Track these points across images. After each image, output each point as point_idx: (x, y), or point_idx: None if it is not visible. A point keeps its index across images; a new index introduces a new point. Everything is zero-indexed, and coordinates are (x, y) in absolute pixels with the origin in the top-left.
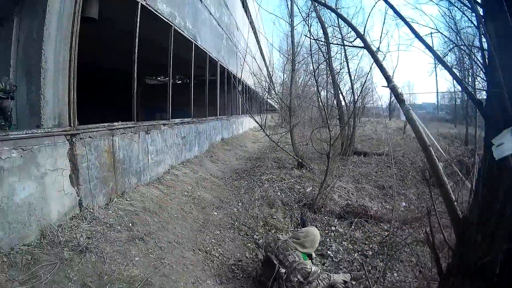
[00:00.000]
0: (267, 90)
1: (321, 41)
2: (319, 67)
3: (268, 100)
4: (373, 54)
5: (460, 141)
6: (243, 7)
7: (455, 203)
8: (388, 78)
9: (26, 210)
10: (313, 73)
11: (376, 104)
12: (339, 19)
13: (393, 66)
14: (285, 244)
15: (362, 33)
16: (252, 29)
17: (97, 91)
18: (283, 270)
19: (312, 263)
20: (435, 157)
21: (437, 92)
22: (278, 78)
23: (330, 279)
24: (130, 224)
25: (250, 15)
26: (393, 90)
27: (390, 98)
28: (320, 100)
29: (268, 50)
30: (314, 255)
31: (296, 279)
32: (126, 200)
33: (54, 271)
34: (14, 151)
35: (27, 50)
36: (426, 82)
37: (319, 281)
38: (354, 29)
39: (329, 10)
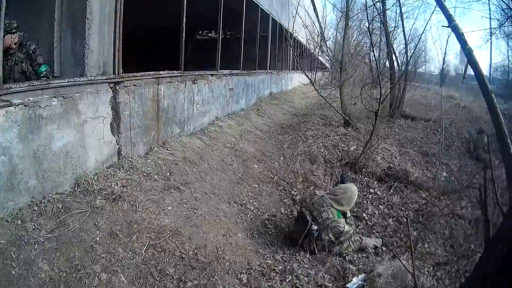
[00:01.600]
0: (319, 46)
1: None
2: (373, 24)
3: (319, 58)
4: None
5: (508, 117)
6: None
7: None
8: (449, 17)
9: (62, 159)
10: (368, 28)
11: (428, 69)
12: None
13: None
14: (321, 200)
15: None
16: None
17: (147, 48)
18: (315, 227)
19: (346, 223)
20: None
21: (491, 64)
22: (330, 35)
23: (361, 242)
24: (168, 174)
25: None
26: (455, 30)
27: (443, 64)
28: (373, 57)
29: (322, 4)
30: (349, 214)
31: (328, 237)
32: (167, 149)
33: (83, 219)
34: (55, 99)
35: (71, 3)
36: (479, 53)
37: (350, 243)
38: None
39: None
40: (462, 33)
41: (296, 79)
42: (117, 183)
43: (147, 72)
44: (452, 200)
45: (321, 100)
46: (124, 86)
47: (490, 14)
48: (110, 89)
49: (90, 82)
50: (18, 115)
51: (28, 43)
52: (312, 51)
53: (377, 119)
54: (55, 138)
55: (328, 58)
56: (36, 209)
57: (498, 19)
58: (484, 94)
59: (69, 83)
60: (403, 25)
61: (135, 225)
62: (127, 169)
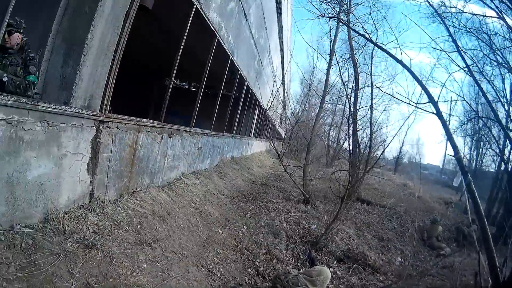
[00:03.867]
0: (280, 119)
1: (384, 91)
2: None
3: (279, 128)
4: (444, 124)
5: (458, 208)
6: (278, 33)
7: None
8: (455, 148)
9: (36, 190)
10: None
11: (384, 156)
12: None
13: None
14: (296, 279)
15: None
16: (281, 58)
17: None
18: None
19: None
20: (487, 226)
21: (445, 156)
22: (293, 108)
23: None
24: (138, 226)
25: (283, 43)
26: (459, 161)
27: (399, 153)
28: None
29: (289, 79)
30: None
31: None
32: (136, 200)
33: (56, 262)
34: (39, 124)
35: (73, 20)
36: (435, 144)
37: None
38: (426, 91)
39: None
40: (465, 165)
41: (256, 147)
42: (88, 228)
43: (131, 117)
44: (409, 285)
45: (277, 171)
46: (108, 127)
47: (450, 111)
48: (94, 127)
49: (77, 114)
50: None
51: (29, 50)
52: (274, 121)
53: (342, 204)
54: (32, 166)
55: (285, 130)
56: (3, 239)
57: (461, 119)
58: (478, 218)
59: (57, 110)
60: (371, 116)
61: (111, 279)
62: (99, 214)
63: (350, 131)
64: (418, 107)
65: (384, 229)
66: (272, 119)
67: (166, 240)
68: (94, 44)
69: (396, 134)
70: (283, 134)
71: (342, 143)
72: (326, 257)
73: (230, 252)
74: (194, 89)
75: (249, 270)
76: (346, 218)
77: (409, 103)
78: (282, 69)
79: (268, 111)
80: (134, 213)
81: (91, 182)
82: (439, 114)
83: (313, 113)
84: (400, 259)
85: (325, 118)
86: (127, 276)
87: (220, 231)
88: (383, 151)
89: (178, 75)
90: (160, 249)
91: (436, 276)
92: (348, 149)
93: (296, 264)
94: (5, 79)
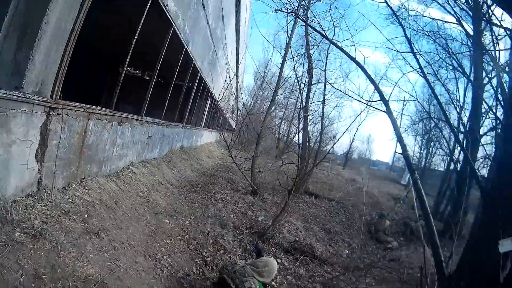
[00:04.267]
0: (231, 110)
1: (336, 88)
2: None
3: (229, 120)
4: (393, 122)
5: (406, 204)
6: (236, 25)
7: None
8: (404, 147)
9: None
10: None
11: (334, 151)
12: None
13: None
14: (243, 270)
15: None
16: (237, 50)
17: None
18: None
19: None
20: (433, 222)
21: (395, 153)
22: (245, 100)
23: None
24: (86, 216)
25: (239, 35)
26: (407, 159)
27: (349, 148)
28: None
29: (243, 71)
30: (268, 286)
31: None
32: (84, 188)
33: (4, 253)
34: None
35: (29, 4)
36: (385, 142)
37: None
38: (377, 89)
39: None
40: (413, 163)
41: (206, 137)
42: (36, 217)
43: (81, 104)
44: (357, 277)
45: (226, 162)
46: (58, 114)
47: (402, 110)
48: (44, 113)
49: (28, 100)
50: None
51: None
52: (225, 112)
53: (290, 196)
54: None
55: (236, 121)
56: None
57: (413, 118)
58: (425, 215)
59: (7, 96)
60: (323, 110)
61: (59, 270)
62: (46, 203)
63: (301, 125)
64: (369, 105)
65: (331, 222)
66: (223, 110)
67: (113, 230)
68: (49, 28)
69: (346, 129)
70: (233, 125)
71: (292, 136)
72: (273, 248)
73: (178, 242)
74: (148, 78)
75: (197, 260)
76: (294, 211)
77: (360, 101)
78: (237, 61)
79: (220, 102)
80: (82, 202)
81: (39, 170)
82: (389, 112)
83: (265, 106)
84: (347, 252)
85: (277, 111)
86: (75, 267)
87: (168, 221)
88: (332, 146)
89: (133, 63)
90: (107, 239)
91: (384, 269)
92: (298, 142)
93: (243, 255)
94: None
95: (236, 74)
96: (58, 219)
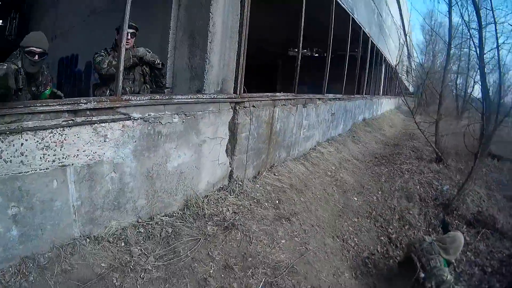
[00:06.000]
0: (406, 71)
1: None
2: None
3: (405, 82)
4: None
5: None
6: None
7: None
8: None
9: (176, 179)
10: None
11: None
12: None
13: None
14: (430, 247)
15: None
16: (398, 6)
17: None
18: (422, 275)
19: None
20: None
21: None
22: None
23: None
24: (277, 201)
25: None
26: None
27: None
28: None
29: (409, 28)
30: (454, 262)
31: (430, 285)
32: (274, 174)
33: (195, 247)
34: (176, 116)
35: (190, 12)
36: None
37: None
38: None
39: None
40: None
41: (386, 105)
42: (228, 209)
43: (265, 93)
44: None
45: (408, 129)
46: (244, 107)
47: None
48: (231, 109)
49: (212, 100)
50: (136, 130)
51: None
52: (401, 75)
53: (476, 161)
54: (171, 157)
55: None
56: (142, 231)
57: None
58: None
59: (192, 100)
60: (498, 55)
61: (250, 259)
62: (238, 194)
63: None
64: None
65: None
66: (399, 74)
67: (303, 213)
68: (217, 30)
69: None
70: (410, 88)
71: (470, 91)
72: (456, 221)
73: (365, 220)
74: (316, 55)
75: (382, 238)
76: (478, 177)
77: None
78: (401, 17)
79: (395, 66)
80: (273, 189)
81: (230, 164)
82: None
83: (438, 62)
84: None
85: (451, 65)
86: (266, 254)
87: (355, 199)
88: None
89: (309, 44)
90: (298, 223)
91: None
92: (478, 98)
93: (427, 229)
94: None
95: (404, 32)
96: (250, 208)
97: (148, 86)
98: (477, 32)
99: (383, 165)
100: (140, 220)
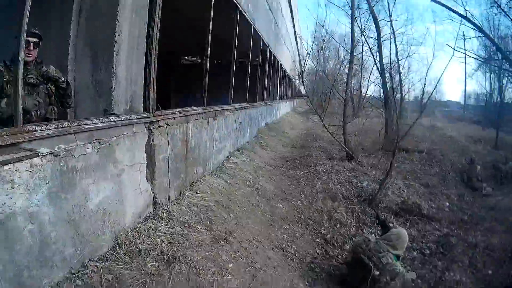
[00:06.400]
0: (298, 76)
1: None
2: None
3: (297, 85)
4: None
5: (489, 145)
6: None
7: None
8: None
9: (100, 218)
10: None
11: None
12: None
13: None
14: (377, 246)
15: None
16: (291, 16)
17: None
18: (377, 272)
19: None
20: None
21: (465, 91)
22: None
23: (404, 278)
24: (208, 222)
25: (290, 1)
26: None
27: (422, 93)
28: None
29: (300, 37)
30: (401, 256)
31: (385, 280)
32: (196, 193)
33: None
34: (90, 145)
35: (92, 20)
36: (453, 80)
37: (397, 281)
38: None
39: None
40: None
41: (283, 109)
42: (162, 239)
43: (177, 109)
44: (464, 231)
45: (310, 130)
46: (159, 126)
47: (465, 49)
48: (146, 130)
49: (126, 122)
50: (47, 169)
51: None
52: (295, 80)
53: (394, 156)
54: (91, 194)
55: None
56: (80, 283)
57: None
58: None
59: (105, 124)
60: (398, 62)
61: None
62: (167, 221)
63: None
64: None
65: (427, 175)
66: (292, 78)
67: (238, 230)
68: (124, 40)
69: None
70: (302, 90)
71: (365, 90)
72: (383, 213)
73: (295, 225)
74: (217, 63)
75: (318, 240)
76: (397, 170)
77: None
78: (294, 26)
79: (289, 71)
80: (200, 209)
81: (152, 189)
82: None
83: (328, 67)
84: (448, 204)
85: (344, 68)
86: (218, 284)
87: (281, 205)
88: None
89: (197, 52)
90: (236, 242)
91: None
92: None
93: (358, 225)
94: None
95: (296, 40)
96: (184, 234)
97: (56, 109)
98: (376, 41)
99: (298, 168)
100: (73, 271)
